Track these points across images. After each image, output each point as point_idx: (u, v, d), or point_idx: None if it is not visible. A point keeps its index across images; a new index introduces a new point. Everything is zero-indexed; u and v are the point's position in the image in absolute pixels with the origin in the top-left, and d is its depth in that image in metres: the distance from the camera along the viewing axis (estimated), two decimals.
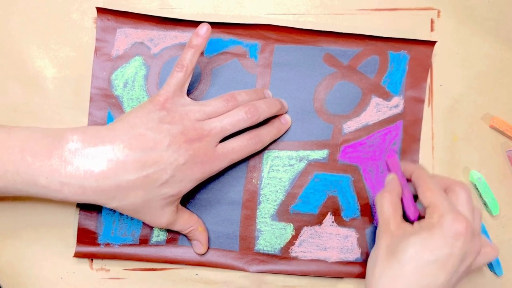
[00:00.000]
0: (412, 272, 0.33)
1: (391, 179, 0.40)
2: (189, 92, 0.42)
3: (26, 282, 0.41)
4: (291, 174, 0.42)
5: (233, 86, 0.42)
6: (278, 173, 0.42)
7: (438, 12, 0.43)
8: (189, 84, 0.41)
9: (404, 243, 0.34)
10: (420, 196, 0.37)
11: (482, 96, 0.43)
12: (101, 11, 0.41)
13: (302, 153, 0.42)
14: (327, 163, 0.42)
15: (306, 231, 0.42)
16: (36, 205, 0.41)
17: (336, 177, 0.42)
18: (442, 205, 0.35)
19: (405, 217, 0.38)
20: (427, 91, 0.43)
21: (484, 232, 0.42)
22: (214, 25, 0.42)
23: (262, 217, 0.42)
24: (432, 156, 0.43)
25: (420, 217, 0.38)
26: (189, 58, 0.37)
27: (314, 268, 0.41)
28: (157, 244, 0.41)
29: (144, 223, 0.41)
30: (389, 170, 0.41)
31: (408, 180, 0.40)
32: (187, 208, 0.41)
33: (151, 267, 0.42)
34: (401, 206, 0.38)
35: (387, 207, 0.37)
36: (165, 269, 0.42)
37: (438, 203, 0.35)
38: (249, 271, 0.41)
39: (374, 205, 0.42)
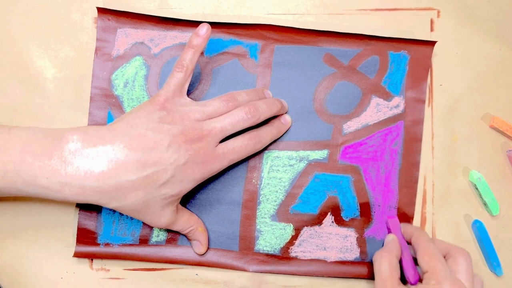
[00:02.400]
0: None
1: (391, 239, 0.39)
2: (189, 92, 0.42)
3: (26, 282, 0.41)
4: (291, 174, 0.42)
5: (233, 86, 0.42)
6: (278, 173, 0.42)
7: (438, 12, 0.43)
8: (189, 84, 0.41)
9: None
10: (419, 260, 0.36)
11: (482, 96, 0.43)
12: (101, 11, 0.41)
13: (302, 153, 0.42)
14: (327, 163, 0.42)
15: (306, 231, 0.42)
16: (36, 205, 0.41)
17: (336, 177, 0.42)
18: (440, 271, 0.34)
19: (404, 280, 0.37)
20: (427, 91, 0.43)
21: (484, 232, 0.42)
22: (214, 25, 0.42)
23: (262, 217, 0.42)
24: (432, 156, 0.43)
25: (421, 281, 0.37)
26: (189, 58, 0.37)
27: (313, 268, 0.42)
28: (157, 244, 0.41)
29: (144, 223, 0.41)
30: (389, 230, 0.41)
31: (408, 243, 0.39)
32: (187, 208, 0.41)
33: (151, 267, 0.42)
34: (399, 268, 0.37)
35: (385, 268, 0.36)
36: (165, 269, 0.42)
37: (437, 268, 0.35)
38: (249, 271, 0.41)
39: (374, 205, 0.42)
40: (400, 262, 0.38)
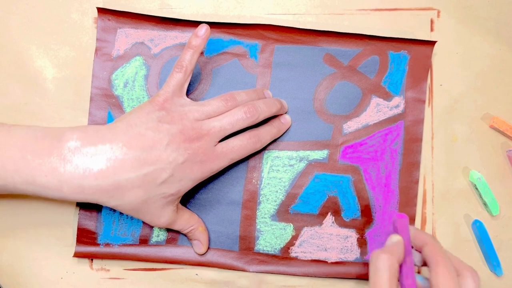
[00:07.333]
0: None
1: (396, 241, 0.34)
2: (189, 92, 0.42)
3: (26, 282, 0.41)
4: (291, 174, 0.42)
5: (233, 86, 0.42)
6: (278, 173, 0.42)
7: (438, 12, 0.43)
8: (189, 84, 0.41)
9: None
10: (432, 275, 0.32)
11: (482, 96, 0.43)
12: (101, 11, 0.41)
13: (302, 153, 0.42)
14: (327, 163, 0.42)
15: (306, 232, 0.42)
16: (36, 205, 0.41)
17: (336, 177, 0.42)
18: None
19: None
20: (427, 91, 0.43)
21: (484, 232, 0.42)
22: (214, 25, 0.42)
23: (262, 217, 0.42)
24: (432, 156, 0.43)
25: None
26: (188, 58, 0.37)
27: (314, 268, 0.41)
28: (157, 244, 0.41)
29: (144, 223, 0.41)
30: (395, 230, 0.36)
31: (414, 249, 0.35)
32: (187, 208, 0.41)
33: (151, 267, 0.42)
34: (397, 274, 0.33)
35: (383, 272, 0.32)
36: (165, 269, 0.42)
37: None
38: (249, 271, 0.41)
39: (374, 205, 0.42)
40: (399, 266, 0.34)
